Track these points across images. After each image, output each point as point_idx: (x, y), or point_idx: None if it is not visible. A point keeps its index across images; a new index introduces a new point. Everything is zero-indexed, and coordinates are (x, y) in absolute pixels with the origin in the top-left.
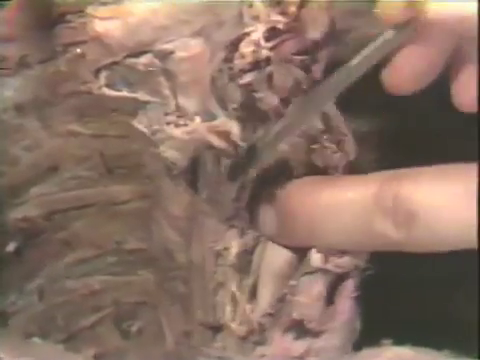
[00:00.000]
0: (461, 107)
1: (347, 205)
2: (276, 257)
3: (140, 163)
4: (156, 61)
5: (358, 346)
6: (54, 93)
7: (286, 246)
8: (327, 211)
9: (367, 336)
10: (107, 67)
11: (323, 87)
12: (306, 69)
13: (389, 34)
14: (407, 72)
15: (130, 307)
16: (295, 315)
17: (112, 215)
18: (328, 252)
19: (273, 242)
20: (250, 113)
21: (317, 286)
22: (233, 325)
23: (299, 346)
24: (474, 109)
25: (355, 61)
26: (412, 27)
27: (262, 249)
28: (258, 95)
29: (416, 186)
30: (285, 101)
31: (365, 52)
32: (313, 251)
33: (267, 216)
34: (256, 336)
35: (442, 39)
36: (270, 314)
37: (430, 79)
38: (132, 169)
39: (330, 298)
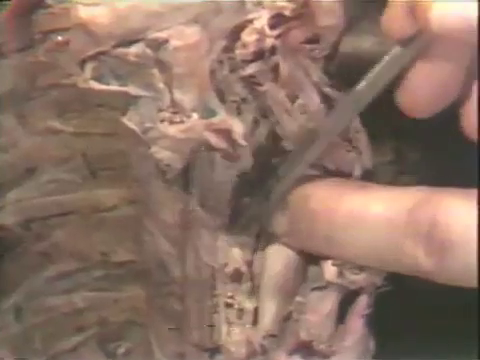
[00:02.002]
0: (470, 134)
1: (374, 219)
2: (277, 269)
3: (128, 165)
4: (148, 51)
5: None
6: (32, 85)
7: (295, 248)
8: (349, 220)
9: (382, 358)
10: (93, 58)
11: (329, 120)
12: (316, 60)
13: (397, 51)
14: (422, 92)
15: (117, 327)
16: (303, 335)
17: (97, 223)
18: (344, 266)
19: (282, 243)
20: (252, 108)
21: (328, 303)
22: (232, 347)
23: None
24: None
25: (362, 85)
26: (421, 41)
27: (262, 261)
28: (262, 88)
29: (455, 214)
30: (292, 96)
31: (372, 74)
32: (327, 263)
33: (279, 214)
34: (257, 359)
35: (457, 53)
36: (273, 335)
37: (449, 99)
38: (119, 171)
39: (341, 315)
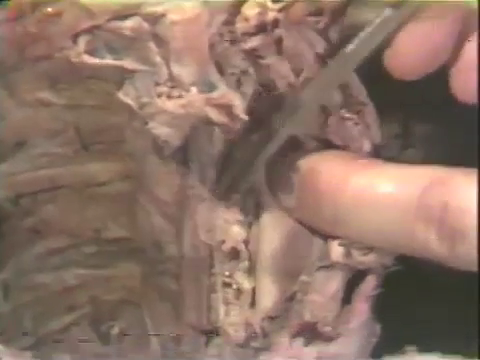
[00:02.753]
0: (459, 97)
1: (383, 200)
2: (275, 245)
3: (122, 138)
4: (145, 25)
5: (378, 353)
6: (22, 56)
7: (303, 223)
8: (357, 200)
9: (388, 342)
10: (87, 31)
11: (317, 81)
12: (321, 32)
13: (387, 13)
14: (411, 54)
15: (110, 306)
16: (307, 317)
17: (89, 198)
18: (352, 245)
19: (290, 217)
20: (253, 81)
21: (334, 283)
22: (230, 329)
23: (310, 353)
24: (473, 100)
25: (351, 46)
26: (412, 4)
27: (259, 237)
28: (265, 61)
29: (468, 197)
30: (297, 69)
31: (362, 35)
32: (334, 243)
33: (287, 187)
34: (258, 342)
35: (448, 19)
36: (273, 317)
37: (437, 63)
38: (112, 145)
39: (346, 296)
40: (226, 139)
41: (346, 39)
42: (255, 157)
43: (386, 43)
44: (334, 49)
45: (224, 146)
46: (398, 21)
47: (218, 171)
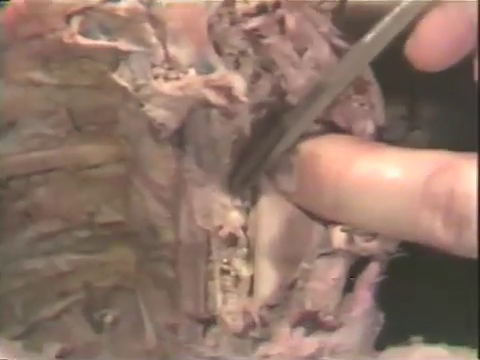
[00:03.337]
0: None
1: (388, 186)
2: (274, 230)
3: (116, 120)
4: (140, 6)
5: (382, 344)
6: (12, 35)
7: (303, 208)
8: (360, 186)
9: (393, 332)
10: (80, 12)
11: (337, 71)
12: (325, 12)
13: (408, 2)
14: (434, 45)
15: (103, 293)
16: (308, 306)
17: (82, 181)
18: (355, 232)
19: (289, 201)
20: (252, 61)
21: (336, 270)
22: (228, 318)
23: (311, 343)
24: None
25: (371, 36)
26: None
27: (257, 222)
28: (266, 41)
29: (474, 185)
30: (300, 49)
31: (382, 24)
32: (336, 229)
33: (286, 169)
34: (256, 331)
35: (472, 4)
36: (271, 305)
37: (461, 54)
38: (105, 127)
39: (349, 284)
40: (241, 135)
41: (365, 28)
42: (269, 153)
43: (406, 32)
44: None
45: (240, 140)
46: (418, 10)
47: (233, 165)
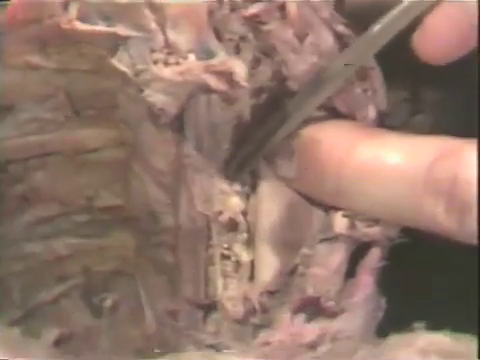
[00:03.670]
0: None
1: (390, 172)
2: (274, 215)
3: (115, 104)
4: None
5: (384, 331)
6: (10, 19)
7: (303, 194)
8: (362, 172)
9: (395, 318)
10: None
11: (341, 60)
12: None
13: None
14: (442, 38)
15: (103, 277)
16: (309, 292)
17: (81, 165)
18: (357, 217)
19: (289, 186)
20: (252, 47)
21: (337, 256)
22: (228, 304)
23: (312, 330)
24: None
25: (377, 27)
26: None
27: (257, 207)
28: (266, 27)
29: (477, 169)
30: (301, 34)
31: (389, 16)
32: (338, 214)
33: (286, 154)
34: (257, 318)
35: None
36: (272, 291)
37: (469, 47)
38: (104, 111)
39: (350, 270)
40: (241, 120)
41: (372, 19)
42: (269, 139)
43: (413, 25)
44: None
45: (240, 125)
46: (427, 5)
47: (230, 151)
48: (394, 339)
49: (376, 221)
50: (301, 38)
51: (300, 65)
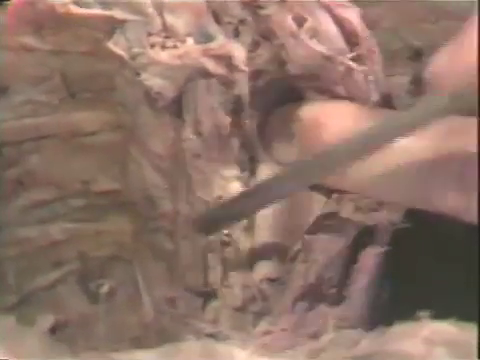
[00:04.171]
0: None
1: (398, 152)
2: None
3: (111, 86)
4: None
5: (388, 320)
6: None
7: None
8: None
9: (399, 306)
10: None
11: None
12: None
13: (441, 102)
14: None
15: (99, 263)
16: (310, 279)
17: (76, 148)
18: (361, 201)
19: None
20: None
21: (339, 241)
22: (228, 292)
23: (314, 318)
24: None
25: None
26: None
27: None
28: (264, 12)
29: None
30: (299, 19)
31: (398, 119)
32: (341, 198)
33: (286, 140)
34: (257, 306)
35: None
36: (272, 278)
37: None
38: (101, 94)
39: (352, 255)
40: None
41: None
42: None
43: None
44: None
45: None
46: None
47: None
48: (398, 328)
49: (380, 205)
50: (300, 23)
51: (299, 50)
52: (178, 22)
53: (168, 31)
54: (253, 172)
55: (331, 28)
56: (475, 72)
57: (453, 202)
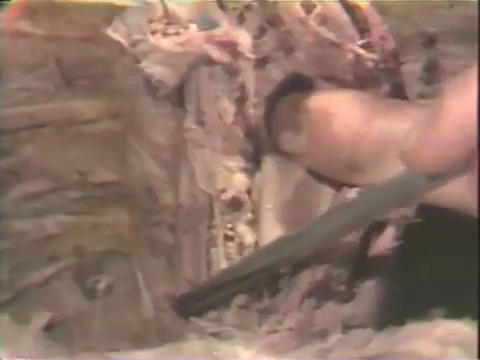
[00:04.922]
0: None
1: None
2: (280, 192)
3: (109, 74)
4: None
5: (399, 318)
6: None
7: (310, 170)
8: (379, 146)
9: (412, 304)
10: None
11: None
12: None
13: (417, 180)
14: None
15: (96, 257)
16: (319, 275)
17: (73, 138)
18: None
19: (298, 162)
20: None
21: (349, 236)
22: None
23: (322, 316)
24: None
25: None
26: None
27: (263, 187)
28: None
29: None
30: (308, 5)
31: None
32: (351, 192)
33: (294, 131)
34: (262, 303)
35: None
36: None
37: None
38: (98, 81)
39: (362, 250)
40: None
41: None
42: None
43: None
44: None
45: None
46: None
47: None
48: (411, 327)
49: None
50: (308, 9)
51: (307, 37)
52: (180, 8)
53: (170, 17)
54: (258, 163)
55: (341, 14)
56: (451, 150)
57: (466, 196)
